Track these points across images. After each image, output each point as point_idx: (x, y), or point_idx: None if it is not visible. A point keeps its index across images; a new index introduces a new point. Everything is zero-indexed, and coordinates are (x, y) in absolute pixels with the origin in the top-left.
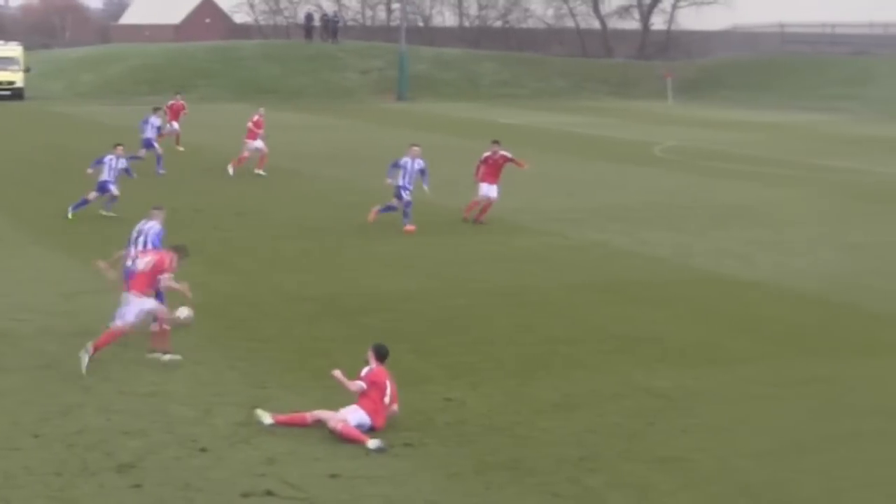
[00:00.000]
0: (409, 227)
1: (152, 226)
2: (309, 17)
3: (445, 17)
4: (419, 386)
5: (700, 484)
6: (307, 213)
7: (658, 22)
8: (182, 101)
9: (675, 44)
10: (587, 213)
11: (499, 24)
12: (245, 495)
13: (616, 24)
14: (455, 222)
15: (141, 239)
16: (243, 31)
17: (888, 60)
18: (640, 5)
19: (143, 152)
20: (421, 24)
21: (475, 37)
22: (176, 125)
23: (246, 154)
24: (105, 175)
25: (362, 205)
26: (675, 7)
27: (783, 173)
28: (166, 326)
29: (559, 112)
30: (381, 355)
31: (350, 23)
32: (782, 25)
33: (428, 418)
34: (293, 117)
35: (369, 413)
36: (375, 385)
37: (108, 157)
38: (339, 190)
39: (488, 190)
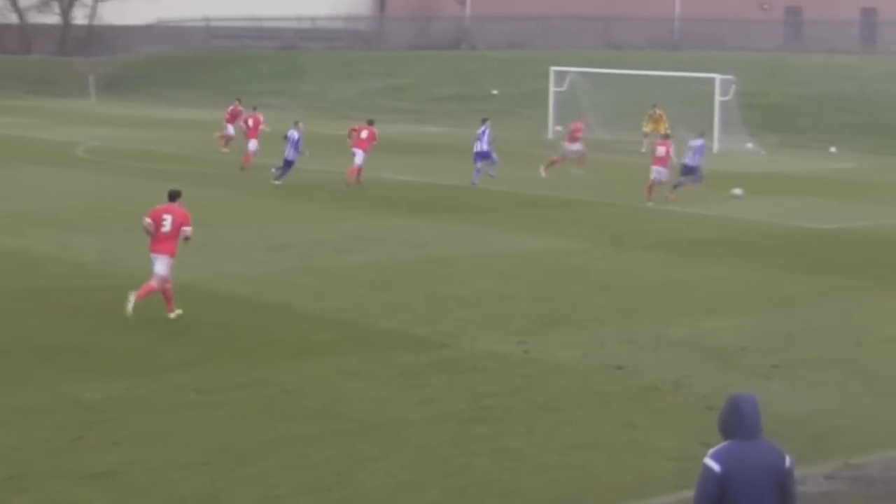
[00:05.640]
0: None
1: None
2: None
3: None
4: None
5: (134, 498)
6: None
7: (80, 16)
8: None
9: (97, 39)
10: (6, 219)
11: None
12: None
13: (36, 18)
14: None
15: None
16: None
17: (316, 54)
18: None
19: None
20: None
21: None
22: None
23: (558, 158)
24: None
25: None
26: (97, 1)
27: (212, 172)
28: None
29: None
30: (171, 196)
31: None
32: (208, 19)
33: None
34: None
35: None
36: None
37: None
38: None
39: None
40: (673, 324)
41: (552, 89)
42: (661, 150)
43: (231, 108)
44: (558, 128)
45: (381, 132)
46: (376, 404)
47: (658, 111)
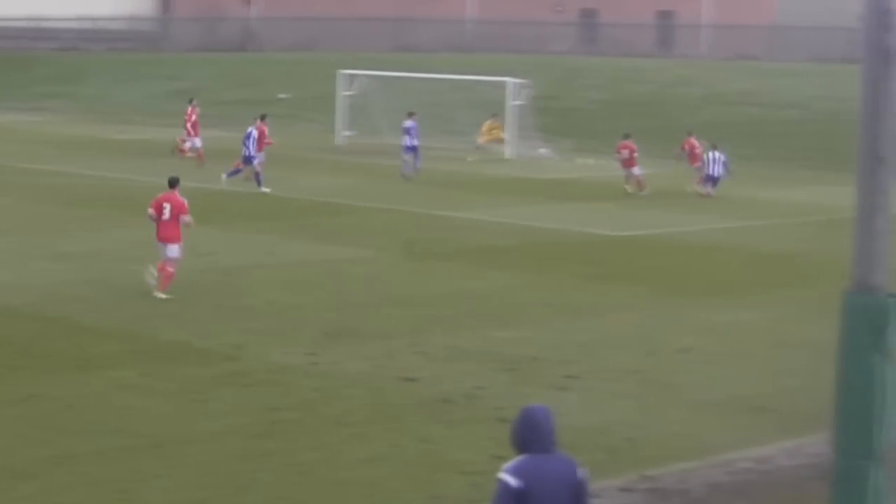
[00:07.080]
0: None
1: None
2: None
3: None
4: None
5: None
6: None
7: None
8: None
9: None
10: None
11: None
12: None
13: None
14: None
15: None
16: None
17: (99, 56)
18: None
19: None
20: None
21: None
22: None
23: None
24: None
25: None
26: None
27: None
28: None
29: None
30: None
31: None
32: None
33: None
34: None
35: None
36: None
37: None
38: None
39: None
40: (465, 334)
41: (341, 93)
42: (625, 153)
43: (189, 109)
44: (348, 133)
45: (163, 138)
46: (160, 419)
47: (496, 122)
